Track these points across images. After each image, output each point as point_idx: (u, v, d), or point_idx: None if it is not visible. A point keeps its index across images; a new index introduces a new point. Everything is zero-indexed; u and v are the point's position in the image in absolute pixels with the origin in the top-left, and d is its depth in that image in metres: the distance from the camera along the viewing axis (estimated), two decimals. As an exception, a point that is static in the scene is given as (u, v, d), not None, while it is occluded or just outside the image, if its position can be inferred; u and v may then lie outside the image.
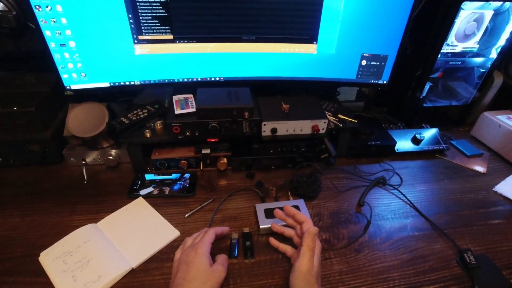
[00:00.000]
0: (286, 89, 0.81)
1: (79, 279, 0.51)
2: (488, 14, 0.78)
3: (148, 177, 0.73)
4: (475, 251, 0.59)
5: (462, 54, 0.84)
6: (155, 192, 0.69)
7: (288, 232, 0.58)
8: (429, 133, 0.90)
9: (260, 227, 0.60)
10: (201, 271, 0.47)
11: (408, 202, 0.71)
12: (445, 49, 0.82)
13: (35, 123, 0.69)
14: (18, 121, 0.68)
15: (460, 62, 0.86)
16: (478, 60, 0.87)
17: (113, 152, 0.76)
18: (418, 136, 0.86)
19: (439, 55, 0.82)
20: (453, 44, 0.82)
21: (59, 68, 0.65)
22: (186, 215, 0.64)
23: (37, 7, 0.58)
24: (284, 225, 0.59)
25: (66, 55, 0.64)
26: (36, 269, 0.53)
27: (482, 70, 0.89)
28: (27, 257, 0.55)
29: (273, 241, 0.58)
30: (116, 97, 0.85)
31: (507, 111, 0.92)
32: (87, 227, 0.60)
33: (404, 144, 0.86)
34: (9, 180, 0.72)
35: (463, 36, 0.81)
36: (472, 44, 0.83)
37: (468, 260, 0.56)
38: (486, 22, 0.79)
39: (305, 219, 0.55)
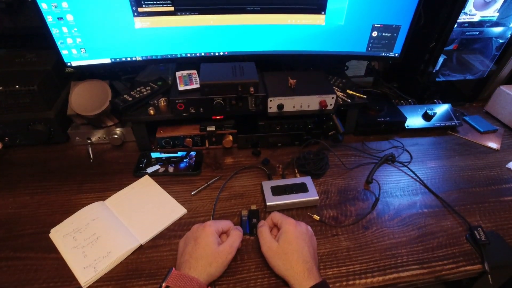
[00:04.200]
0: (292, 63, 0.78)
1: (89, 255, 0.52)
2: (511, -21, 0.72)
3: (154, 155, 0.72)
4: (486, 228, 0.58)
5: (480, 23, 0.79)
6: (161, 170, 0.69)
7: None
8: (441, 109, 0.87)
9: (267, 204, 0.60)
10: (207, 250, 0.47)
11: (418, 179, 0.69)
12: (461, 18, 0.77)
13: (38, 102, 0.68)
14: (21, 100, 0.68)
15: (477, 33, 0.81)
16: (497, 30, 0.82)
17: (117, 130, 0.75)
18: (429, 112, 0.83)
19: (455, 25, 0.77)
20: (471, 13, 0.77)
21: (58, 43, 0.63)
22: (192, 193, 0.64)
23: (31, -22, 0.55)
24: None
25: (64, 29, 0.62)
26: (47, 245, 0.54)
27: (500, 41, 0.84)
28: (38, 234, 0.56)
29: None
30: (119, 75, 0.83)
31: (525, 84, 0.88)
32: (95, 204, 0.61)
33: (414, 120, 0.83)
34: (17, 160, 0.72)
35: (483, 4, 0.76)
36: (492, 12, 0.78)
37: (478, 237, 0.56)
38: (508, -12, 0.74)
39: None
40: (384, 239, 0.57)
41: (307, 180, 0.65)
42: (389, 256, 0.54)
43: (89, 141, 0.76)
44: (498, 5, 0.76)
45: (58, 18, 0.60)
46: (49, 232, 0.56)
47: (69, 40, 0.64)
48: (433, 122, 0.83)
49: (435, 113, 0.84)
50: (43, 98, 0.69)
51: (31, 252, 0.53)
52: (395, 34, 0.72)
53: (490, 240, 0.55)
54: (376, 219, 0.60)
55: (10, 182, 0.66)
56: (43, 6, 0.58)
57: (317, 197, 0.62)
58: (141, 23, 0.64)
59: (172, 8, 0.63)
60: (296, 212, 0.61)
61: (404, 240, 0.57)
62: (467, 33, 0.81)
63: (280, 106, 0.67)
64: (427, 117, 0.84)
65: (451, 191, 0.67)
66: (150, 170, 0.69)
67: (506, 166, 0.73)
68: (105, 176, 0.68)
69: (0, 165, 0.70)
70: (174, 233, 0.57)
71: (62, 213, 0.59)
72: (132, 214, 0.60)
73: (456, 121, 0.83)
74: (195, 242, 0.48)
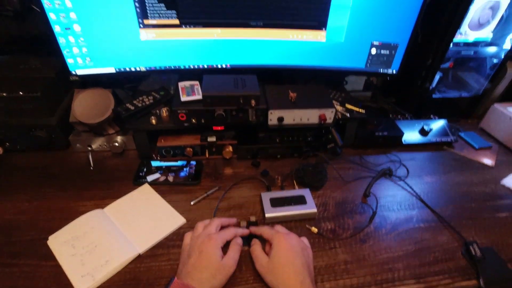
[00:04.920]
0: (293, 77, 0.80)
1: (87, 263, 0.52)
2: (505, 2, 0.75)
3: (154, 163, 0.73)
4: (481, 243, 0.59)
5: (475, 43, 0.82)
6: (161, 179, 0.69)
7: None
8: (437, 125, 0.89)
9: (266, 215, 0.60)
10: (212, 262, 0.47)
11: (414, 193, 0.70)
12: (457, 38, 0.79)
13: (41, 108, 0.69)
14: (24, 106, 0.68)
15: (472, 52, 0.84)
16: (491, 50, 0.84)
17: (118, 138, 0.75)
18: (426, 128, 0.85)
19: (451, 45, 0.80)
20: (466, 33, 0.79)
21: (64, 52, 0.64)
22: (191, 203, 0.65)
23: (42, -11, 0.57)
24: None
25: (71, 39, 0.63)
26: (44, 252, 0.54)
27: (495, 61, 0.87)
28: (36, 241, 0.56)
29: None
30: (121, 83, 0.84)
31: (518, 103, 0.90)
32: (94, 212, 0.61)
33: (411, 135, 0.85)
34: (17, 165, 0.72)
35: (477, 25, 0.79)
36: (486, 33, 0.80)
37: (474, 253, 0.56)
38: (502, 10, 0.77)
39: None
40: (381, 253, 0.57)
41: (306, 192, 0.65)
42: (386, 270, 0.54)
43: (89, 148, 0.76)
44: (492, 26, 0.79)
45: (65, 28, 0.62)
46: (47, 239, 0.56)
47: (75, 50, 0.65)
48: (430, 137, 0.85)
49: (431, 129, 0.85)
50: (46, 105, 0.69)
51: (28, 259, 0.53)
52: (393, 52, 0.75)
53: (485, 256, 0.56)
54: (374, 232, 0.61)
55: (9, 187, 0.66)
56: (52, 16, 0.60)
57: (316, 210, 0.62)
58: (146, 34, 0.66)
59: (177, 21, 0.65)
60: (294, 224, 0.62)
61: (401, 254, 0.57)
62: (462, 52, 0.83)
63: (281, 119, 0.69)
64: (423, 132, 0.85)
65: (447, 206, 0.68)
66: (150, 178, 0.69)
67: (501, 182, 0.74)
68: (104, 184, 0.68)
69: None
70: (173, 242, 0.57)
71: (61, 220, 0.59)
72: (131, 223, 0.60)
73: (452, 137, 0.85)
74: (199, 254, 0.48)
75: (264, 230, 0.54)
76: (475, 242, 0.58)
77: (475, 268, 0.55)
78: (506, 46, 0.83)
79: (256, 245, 0.53)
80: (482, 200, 0.70)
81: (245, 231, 0.57)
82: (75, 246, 0.55)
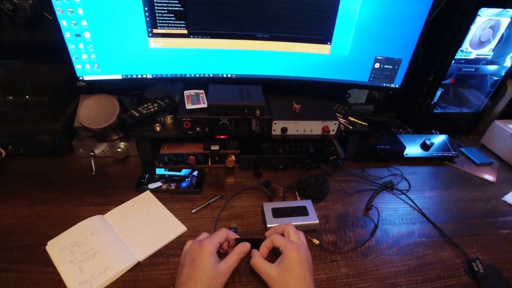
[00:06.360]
0: (297, 89, 0.81)
1: (86, 270, 0.51)
2: (505, 22, 0.77)
3: (158, 171, 0.72)
4: (483, 260, 0.58)
5: (476, 61, 0.84)
6: (163, 187, 0.69)
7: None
8: (438, 140, 0.89)
9: (268, 226, 0.60)
10: (206, 271, 0.46)
11: (416, 207, 0.70)
12: (458, 55, 0.81)
13: (47, 113, 0.70)
14: (30, 110, 0.69)
15: (473, 69, 0.85)
16: (492, 68, 0.86)
17: (121, 144, 0.76)
18: (427, 142, 0.85)
19: (452, 61, 0.81)
20: (467, 51, 0.81)
21: (73, 58, 0.65)
22: (193, 211, 0.64)
23: (55, -4, 0.58)
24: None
25: (81, 45, 0.64)
26: (43, 258, 0.53)
27: (495, 78, 0.88)
28: (35, 246, 0.55)
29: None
30: (126, 90, 0.85)
31: (519, 120, 0.91)
32: (94, 218, 0.61)
33: (413, 149, 0.85)
34: (19, 169, 0.72)
35: (478, 43, 0.80)
36: (487, 51, 0.82)
37: (477, 269, 0.56)
38: (502, 30, 0.79)
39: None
40: (383, 267, 0.57)
41: (308, 204, 0.65)
42: (388, 285, 0.54)
43: (92, 153, 0.76)
44: (492, 45, 0.81)
45: (76, 34, 0.63)
46: (46, 245, 0.55)
47: (84, 56, 0.66)
48: (431, 152, 0.85)
49: (432, 143, 0.86)
50: (51, 110, 0.70)
51: (26, 265, 0.52)
52: (396, 67, 0.76)
53: (488, 273, 0.55)
54: (375, 246, 0.61)
55: (10, 191, 0.66)
56: (63, 23, 0.61)
57: (317, 221, 0.62)
58: (154, 43, 0.67)
59: (185, 31, 0.66)
60: (296, 235, 0.61)
61: (403, 269, 0.57)
62: (463, 69, 0.85)
63: (284, 130, 0.69)
64: (425, 146, 0.86)
65: (449, 221, 0.67)
66: (152, 186, 0.69)
67: (502, 199, 0.74)
68: (106, 190, 0.68)
69: (1, 173, 0.70)
70: (173, 251, 0.56)
71: (61, 225, 0.59)
72: (131, 230, 0.59)
73: (453, 152, 0.85)
74: (192, 264, 0.47)
75: (276, 238, 0.52)
76: (478, 259, 0.58)
77: (478, 286, 0.54)
78: (506, 64, 0.85)
79: (256, 257, 0.51)
80: (484, 216, 0.70)
81: (235, 235, 0.55)
82: (74, 252, 0.54)
